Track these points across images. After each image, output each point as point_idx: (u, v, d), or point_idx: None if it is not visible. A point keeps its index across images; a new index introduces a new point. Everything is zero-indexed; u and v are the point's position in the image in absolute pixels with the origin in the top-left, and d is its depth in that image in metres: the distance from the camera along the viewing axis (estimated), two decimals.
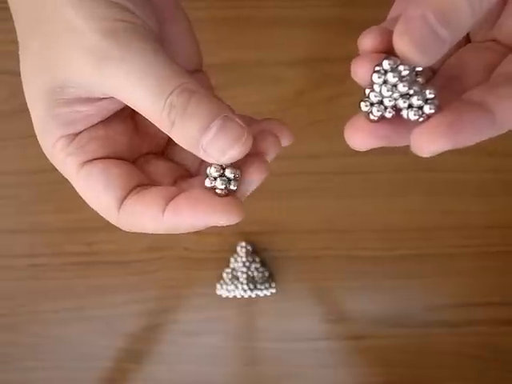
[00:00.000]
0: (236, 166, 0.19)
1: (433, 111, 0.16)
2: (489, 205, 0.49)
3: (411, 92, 0.16)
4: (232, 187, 0.19)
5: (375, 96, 0.17)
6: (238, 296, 0.48)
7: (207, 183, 0.18)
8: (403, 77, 0.16)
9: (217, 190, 0.18)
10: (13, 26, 0.20)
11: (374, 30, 0.18)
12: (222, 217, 0.18)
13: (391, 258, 0.49)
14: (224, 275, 0.49)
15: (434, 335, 0.50)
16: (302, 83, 0.46)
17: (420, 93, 0.16)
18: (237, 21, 0.45)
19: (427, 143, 0.15)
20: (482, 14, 0.16)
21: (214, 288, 0.49)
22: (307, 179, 0.48)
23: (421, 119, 0.16)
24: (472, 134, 0.16)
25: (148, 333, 0.51)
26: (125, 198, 0.19)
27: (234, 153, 0.17)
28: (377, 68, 0.17)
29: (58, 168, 0.20)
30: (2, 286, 0.50)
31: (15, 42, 0.19)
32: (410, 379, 0.51)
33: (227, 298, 0.48)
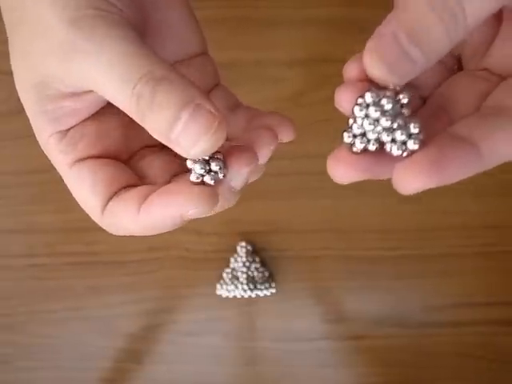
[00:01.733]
0: (219, 157, 0.18)
1: (416, 147, 0.16)
2: (488, 205, 0.49)
3: (395, 126, 0.16)
4: (211, 179, 0.17)
5: (358, 128, 0.16)
6: (238, 296, 0.48)
7: (193, 178, 0.17)
8: (386, 111, 0.16)
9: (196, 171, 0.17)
10: None
11: (359, 58, 0.17)
12: (191, 205, 0.16)
13: (391, 258, 0.49)
14: (224, 275, 0.49)
15: (433, 335, 0.50)
16: (301, 83, 0.46)
17: (404, 127, 0.16)
18: (236, 21, 0.45)
19: (409, 181, 0.15)
20: (459, 38, 0.15)
21: (214, 288, 0.49)
22: (307, 179, 0.48)
23: (404, 154, 0.16)
24: (456, 171, 0.15)
25: (148, 333, 0.51)
26: (110, 199, 0.18)
27: (204, 145, 0.16)
28: (359, 100, 0.16)
29: (53, 163, 0.20)
30: (0, 286, 0.50)
31: None
32: (409, 379, 0.51)
33: (227, 297, 0.48)
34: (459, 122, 0.17)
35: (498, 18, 0.18)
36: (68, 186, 0.19)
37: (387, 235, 0.49)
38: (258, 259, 0.49)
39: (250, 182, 0.19)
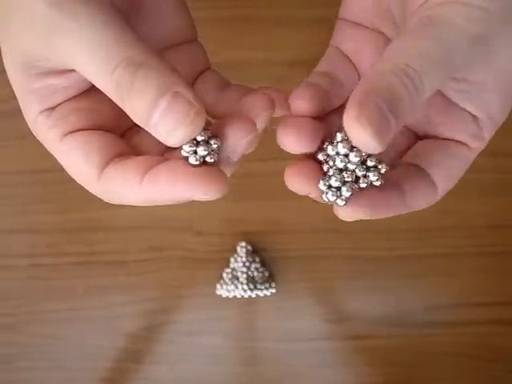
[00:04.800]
0: (214, 135, 0.17)
1: (378, 183, 0.18)
2: (489, 205, 0.49)
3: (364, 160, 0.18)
4: (209, 160, 0.17)
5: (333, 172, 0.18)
6: (238, 296, 0.48)
7: (181, 156, 0.17)
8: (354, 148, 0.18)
9: (191, 160, 0.17)
10: None
11: (305, 93, 0.19)
12: (201, 190, 0.16)
13: (391, 258, 0.49)
14: (224, 275, 0.49)
15: (434, 335, 0.50)
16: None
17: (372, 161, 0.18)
18: (237, 21, 0.45)
19: (349, 212, 0.19)
20: (418, 110, 0.17)
21: (214, 288, 0.49)
22: None
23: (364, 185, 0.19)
24: (387, 209, 0.19)
25: (148, 333, 0.51)
26: (105, 166, 0.18)
27: (181, 134, 0.16)
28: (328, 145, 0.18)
29: (42, 142, 0.19)
30: (2, 286, 0.50)
31: None
32: (409, 379, 0.51)
33: (227, 297, 0.48)
34: (391, 170, 0.19)
35: None
36: (60, 160, 0.19)
37: (388, 235, 0.49)
38: (258, 259, 0.49)
39: (246, 153, 0.19)
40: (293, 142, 0.19)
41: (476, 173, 0.48)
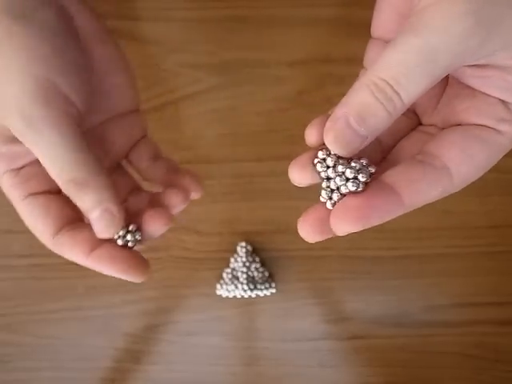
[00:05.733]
0: (138, 229, 0.24)
1: (353, 188, 0.19)
2: (489, 205, 0.49)
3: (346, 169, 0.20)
4: (130, 245, 0.24)
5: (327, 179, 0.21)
6: (238, 296, 0.48)
7: (120, 243, 0.24)
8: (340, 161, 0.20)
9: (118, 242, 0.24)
10: None
11: (317, 124, 0.21)
12: (131, 278, 0.23)
13: (391, 258, 0.49)
14: (224, 275, 0.49)
15: (433, 335, 0.50)
16: (302, 83, 0.46)
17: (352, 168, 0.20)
18: (237, 21, 0.45)
19: (339, 226, 0.18)
20: (398, 115, 0.18)
21: (214, 288, 0.49)
22: None
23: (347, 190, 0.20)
24: (379, 216, 0.18)
25: (148, 333, 0.51)
26: (60, 229, 0.23)
27: (107, 234, 0.23)
28: (319, 156, 0.21)
29: (5, 193, 0.24)
30: (1, 286, 0.50)
31: None
32: (409, 379, 0.51)
33: (227, 297, 0.48)
34: (388, 171, 0.20)
35: (444, 82, 0.22)
36: (20, 214, 0.24)
37: (387, 235, 0.49)
38: (258, 259, 0.49)
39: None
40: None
41: None
